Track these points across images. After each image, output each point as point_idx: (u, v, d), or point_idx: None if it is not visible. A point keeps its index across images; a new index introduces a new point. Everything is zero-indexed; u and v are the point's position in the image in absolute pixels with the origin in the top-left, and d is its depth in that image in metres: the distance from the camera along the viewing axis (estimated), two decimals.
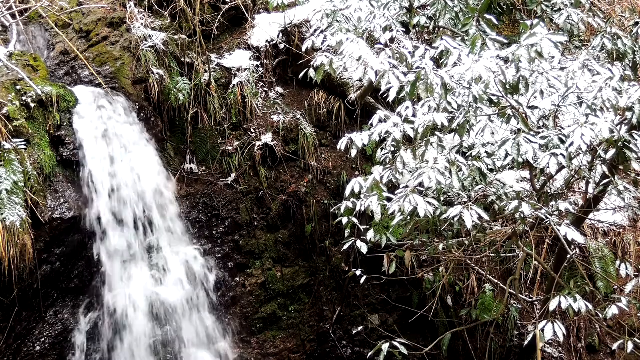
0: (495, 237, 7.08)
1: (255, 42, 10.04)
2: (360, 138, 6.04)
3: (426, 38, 9.64)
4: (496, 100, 5.64)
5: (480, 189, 6.67)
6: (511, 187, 6.77)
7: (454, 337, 8.65)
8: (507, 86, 5.40)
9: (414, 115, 5.70)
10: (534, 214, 6.05)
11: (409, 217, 5.93)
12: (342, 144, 6.13)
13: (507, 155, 5.50)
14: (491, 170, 6.22)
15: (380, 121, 5.88)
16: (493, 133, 5.69)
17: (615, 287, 9.03)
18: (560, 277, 6.83)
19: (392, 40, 6.47)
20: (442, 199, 6.40)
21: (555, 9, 6.76)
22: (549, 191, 7.03)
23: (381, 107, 9.42)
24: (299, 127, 9.65)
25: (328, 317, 9.60)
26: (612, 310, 5.89)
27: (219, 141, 9.54)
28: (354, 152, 6.12)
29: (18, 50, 9.06)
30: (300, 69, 8.16)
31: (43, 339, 8.20)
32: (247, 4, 10.07)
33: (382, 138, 5.89)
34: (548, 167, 5.41)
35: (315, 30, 6.72)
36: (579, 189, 8.65)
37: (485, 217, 5.75)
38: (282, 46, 9.99)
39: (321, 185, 9.65)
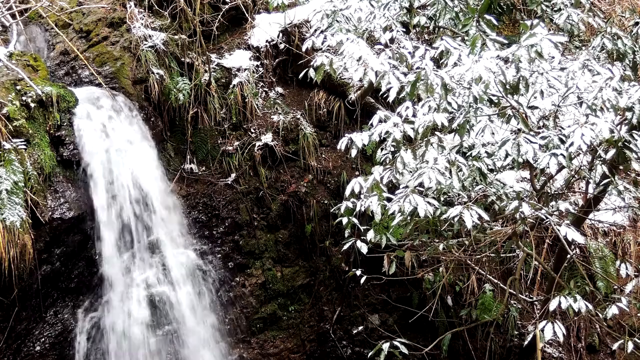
0: (495, 237, 7.08)
1: (255, 42, 10.04)
2: (360, 138, 6.04)
3: (426, 38, 9.64)
4: (496, 101, 5.64)
5: (480, 189, 6.67)
6: (511, 187, 6.76)
7: (454, 337, 8.65)
8: (507, 86, 5.40)
9: (414, 115, 5.70)
10: (534, 214, 6.05)
11: (409, 217, 5.93)
12: (342, 144, 6.13)
13: (507, 155, 5.50)
14: (491, 170, 6.22)
15: (380, 121, 5.88)
16: (493, 133, 5.68)
17: (615, 287, 9.02)
18: (560, 277, 6.82)
19: (392, 40, 6.47)
20: (442, 199, 6.40)
21: (555, 9, 6.76)
22: (549, 191, 7.03)
23: (381, 107, 9.42)
24: (299, 127, 9.66)
25: (328, 317, 9.60)
26: (612, 310, 5.89)
27: (219, 141, 9.54)
28: (354, 152, 6.12)
29: (18, 50, 9.06)
30: (300, 69, 8.16)
31: (43, 339, 8.20)
32: (247, 4, 10.07)
33: (382, 138, 5.89)
34: (548, 167, 5.41)
35: (315, 30, 6.72)
36: (579, 189, 8.65)
37: (485, 217, 5.75)
38: (282, 46, 9.99)
39: (321, 185, 9.65)
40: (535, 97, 5.70)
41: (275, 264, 9.59)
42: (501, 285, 8.38)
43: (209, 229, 9.34)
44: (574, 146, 5.28)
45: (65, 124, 8.34)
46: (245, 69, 9.77)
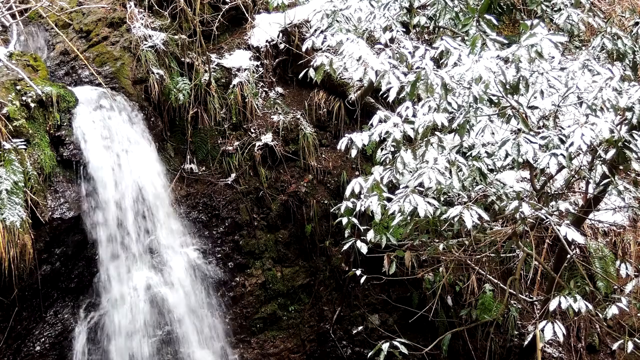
0: (495, 237, 7.08)
1: (255, 42, 10.04)
2: (360, 138, 6.04)
3: (426, 38, 9.64)
4: (496, 101, 5.64)
5: (480, 189, 6.67)
6: (511, 187, 6.76)
7: (454, 337, 8.65)
8: (507, 86, 5.40)
9: (414, 115, 5.70)
10: (534, 214, 6.05)
11: (409, 217, 5.93)
12: (342, 144, 6.13)
13: (507, 155, 5.50)
14: (491, 170, 6.22)
15: (380, 121, 5.88)
16: (493, 133, 5.69)
17: (615, 287, 9.02)
18: (560, 277, 6.82)
19: (392, 40, 6.48)
20: (442, 199, 6.40)
21: (555, 9, 6.76)
22: (549, 191, 7.03)
23: (381, 107, 9.42)
24: (299, 127, 9.65)
25: (328, 317, 9.60)
26: (612, 310, 5.89)
27: (219, 141, 9.54)
28: (354, 152, 6.12)
29: (18, 50, 9.06)
30: (300, 69, 8.16)
31: (43, 339, 8.20)
32: (247, 4, 10.07)
33: (382, 138, 5.89)
34: (548, 167, 5.41)
35: (315, 30, 6.72)
36: (579, 189, 8.65)
37: (485, 217, 5.75)
38: (282, 46, 9.99)
39: (321, 185, 9.65)
40: (535, 97, 5.70)
41: (275, 264, 9.59)
42: (501, 285, 8.38)
43: (209, 229, 9.34)
44: (574, 146, 5.28)
45: (65, 124, 8.34)
46: (245, 69, 9.77)
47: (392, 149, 6.00)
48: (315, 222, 9.51)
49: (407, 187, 5.76)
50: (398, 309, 9.44)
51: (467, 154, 6.10)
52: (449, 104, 5.51)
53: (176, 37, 9.57)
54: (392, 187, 5.98)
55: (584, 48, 7.53)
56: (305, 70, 6.82)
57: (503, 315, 9.03)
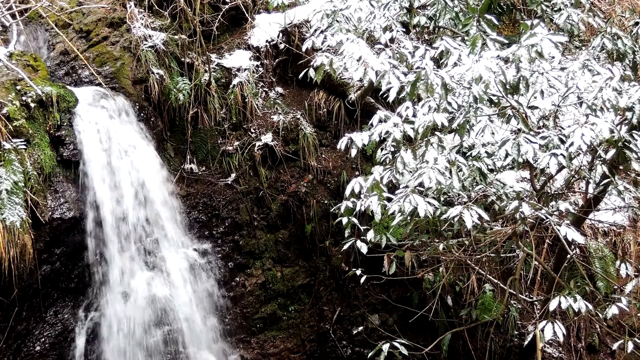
0: (495, 237, 7.08)
1: (255, 42, 10.04)
2: (360, 138, 6.04)
3: (426, 38, 9.64)
4: (496, 100, 5.64)
5: (480, 189, 6.67)
6: (511, 187, 6.76)
7: (454, 337, 8.65)
8: (507, 86, 5.40)
9: (414, 115, 5.70)
10: (534, 214, 6.05)
11: (409, 217, 5.93)
12: (342, 144, 6.13)
13: (507, 155, 5.49)
14: (491, 170, 6.22)
15: (380, 121, 5.88)
16: (493, 133, 5.69)
17: (615, 287, 9.02)
18: (560, 277, 6.82)
19: (392, 40, 6.48)
20: (442, 199, 6.40)
21: (555, 9, 6.76)
22: (549, 191, 7.03)
23: (381, 107, 9.42)
24: (299, 127, 9.65)
25: (328, 317, 9.60)
26: (612, 310, 5.89)
27: (219, 141, 9.54)
28: (354, 152, 6.12)
29: (18, 50, 9.06)
30: (300, 69, 8.16)
31: (43, 339, 8.20)
32: (247, 4, 10.08)
33: (382, 138, 5.89)
34: (548, 167, 5.41)
35: (315, 30, 6.72)
36: (579, 189, 8.65)
37: (485, 217, 5.75)
38: (282, 46, 9.99)
39: (321, 185, 9.65)
40: (535, 97, 5.70)
41: (275, 264, 9.59)
42: (501, 285, 8.38)
43: (209, 229, 9.34)
44: (574, 146, 5.28)
45: (65, 124, 8.34)
46: (245, 69, 9.77)
47: (392, 149, 6.00)
48: (315, 222, 9.51)
49: (407, 187, 5.76)
50: (398, 309, 9.44)
51: (467, 154, 6.10)
52: (449, 104, 5.50)
53: (176, 37, 9.58)
54: (392, 187, 5.98)
55: (584, 48, 7.53)
56: (305, 70, 6.82)
57: (503, 315, 9.02)
